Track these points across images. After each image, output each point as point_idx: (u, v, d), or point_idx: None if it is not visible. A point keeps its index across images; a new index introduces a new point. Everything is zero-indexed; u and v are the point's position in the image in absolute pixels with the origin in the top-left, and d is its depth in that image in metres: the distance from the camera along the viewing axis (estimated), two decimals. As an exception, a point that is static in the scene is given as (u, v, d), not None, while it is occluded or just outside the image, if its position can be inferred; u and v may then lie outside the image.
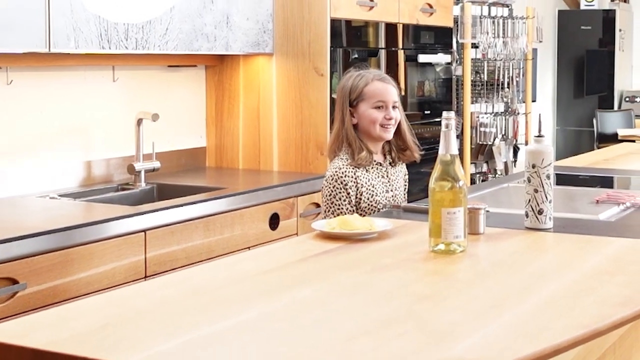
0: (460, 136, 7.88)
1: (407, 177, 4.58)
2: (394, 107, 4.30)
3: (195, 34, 5.34)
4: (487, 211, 3.64)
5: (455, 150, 3.26)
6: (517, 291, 2.79)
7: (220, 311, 2.57)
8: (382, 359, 2.18)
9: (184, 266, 4.58)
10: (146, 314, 2.56)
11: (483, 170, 8.32)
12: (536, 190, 3.58)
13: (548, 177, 3.57)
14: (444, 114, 3.29)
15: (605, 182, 5.24)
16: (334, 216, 4.15)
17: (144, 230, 4.42)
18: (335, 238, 3.48)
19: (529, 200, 3.61)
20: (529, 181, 3.59)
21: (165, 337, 2.32)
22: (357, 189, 4.20)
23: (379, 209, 4.26)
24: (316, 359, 2.17)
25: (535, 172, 3.56)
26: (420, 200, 4.42)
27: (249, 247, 5.02)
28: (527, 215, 3.63)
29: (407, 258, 3.20)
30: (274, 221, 5.27)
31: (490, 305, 2.62)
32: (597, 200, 4.28)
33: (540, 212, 3.59)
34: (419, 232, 3.54)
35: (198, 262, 4.65)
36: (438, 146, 3.27)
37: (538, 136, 3.62)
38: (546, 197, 3.58)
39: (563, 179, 5.05)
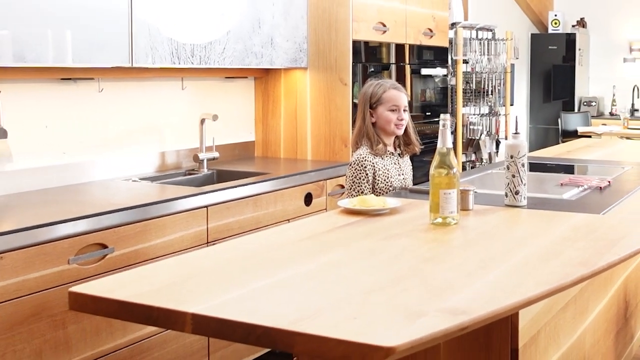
0: (454, 132, 7.85)
1: (411, 167, 4.58)
2: (404, 110, 4.31)
3: (246, 52, 5.33)
4: (475, 192, 3.64)
5: (450, 144, 3.26)
6: (499, 255, 2.78)
7: (267, 270, 2.58)
8: (392, 308, 2.18)
9: (237, 234, 4.58)
10: (209, 273, 2.56)
11: (472, 159, 8.29)
12: (514, 176, 3.57)
13: (523, 165, 3.56)
14: (442, 116, 3.29)
15: (568, 169, 5.21)
16: (356, 194, 4.18)
17: (206, 206, 4.43)
18: (356, 213, 3.48)
19: (508, 183, 3.60)
20: (508, 169, 3.58)
21: (224, 290, 2.33)
22: (375, 172, 4.22)
23: (393, 188, 4.28)
24: (342, 308, 2.18)
25: (513, 161, 3.55)
26: (423, 183, 4.41)
27: (288, 220, 5.02)
28: (506, 195, 3.62)
29: (413, 229, 3.20)
30: (308, 199, 5.27)
31: (478, 266, 2.62)
32: (562, 184, 4.27)
33: (517, 192, 3.59)
34: (421, 209, 3.53)
35: (249, 231, 4.66)
36: (437, 140, 3.27)
37: (515, 133, 3.61)
38: (521, 181, 3.58)
39: (535, 167, 5.04)
